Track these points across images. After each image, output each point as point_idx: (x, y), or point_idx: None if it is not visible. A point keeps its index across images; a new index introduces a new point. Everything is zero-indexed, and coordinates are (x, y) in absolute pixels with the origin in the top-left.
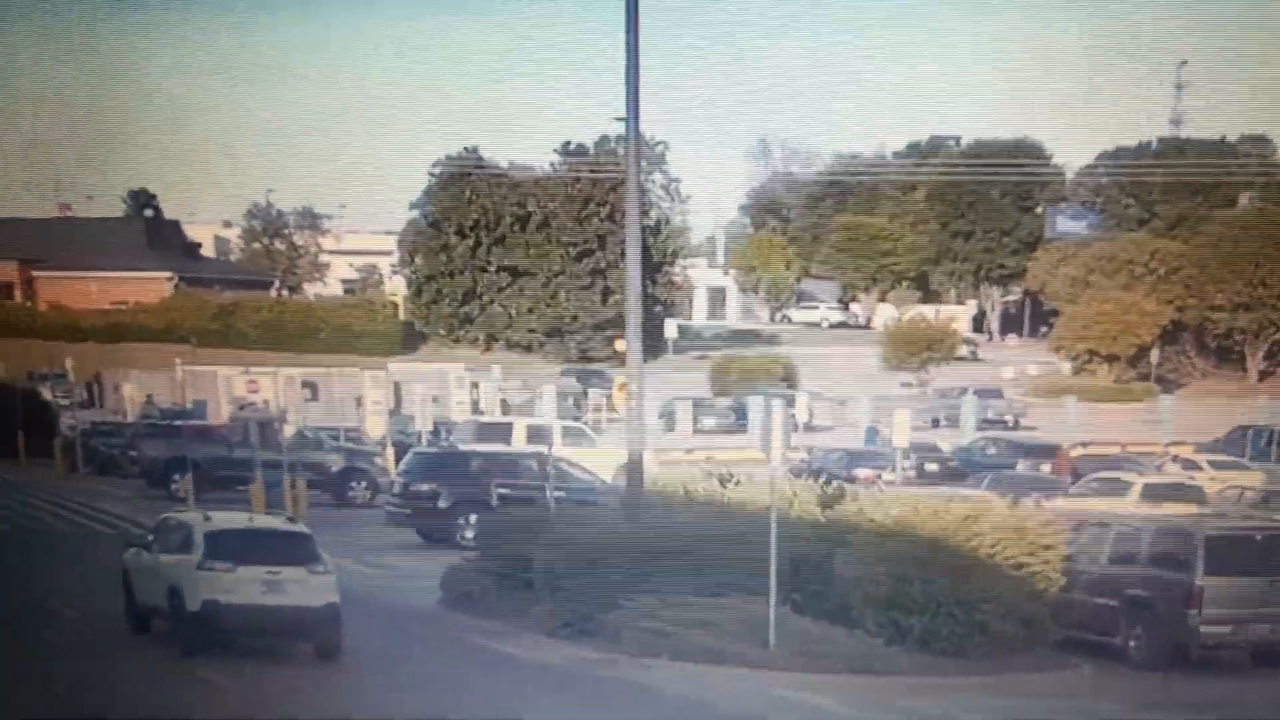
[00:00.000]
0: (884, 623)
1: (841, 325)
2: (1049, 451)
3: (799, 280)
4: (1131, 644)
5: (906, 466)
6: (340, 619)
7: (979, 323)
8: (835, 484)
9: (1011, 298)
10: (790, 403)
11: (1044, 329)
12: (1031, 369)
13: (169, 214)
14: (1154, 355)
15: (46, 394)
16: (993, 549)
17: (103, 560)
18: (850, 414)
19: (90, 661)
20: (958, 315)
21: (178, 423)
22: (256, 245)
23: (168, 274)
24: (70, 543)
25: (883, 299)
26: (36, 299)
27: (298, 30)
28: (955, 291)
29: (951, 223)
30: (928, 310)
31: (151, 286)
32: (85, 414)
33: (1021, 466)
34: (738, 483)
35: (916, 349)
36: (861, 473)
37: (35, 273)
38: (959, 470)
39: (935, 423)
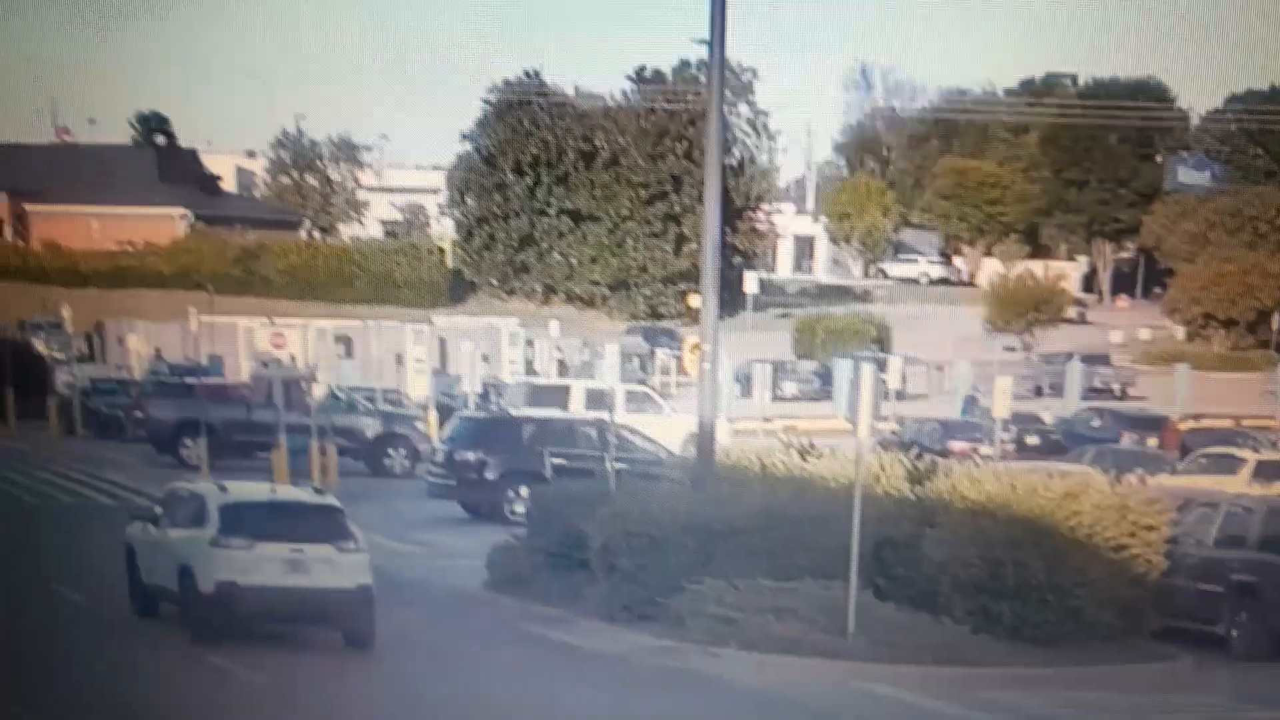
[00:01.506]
0: (972, 609)
1: (943, 281)
2: (1156, 424)
3: (897, 230)
4: (1235, 633)
5: (1005, 439)
6: (373, 602)
7: (1089, 282)
8: (927, 458)
9: (1125, 255)
10: (881, 368)
11: (1158, 290)
12: (1143, 333)
13: (184, 142)
14: (1275, 321)
15: (40, 346)
16: (1091, 529)
17: (104, 535)
18: (947, 380)
19: (93, 647)
20: (1067, 273)
21: (190, 380)
22: (285, 179)
23: (181, 210)
24: (68, 516)
25: (989, 253)
26: (29, 236)
27: None
28: (1065, 246)
29: (1065, 170)
30: (1036, 266)
31: (163, 225)
32: (84, 369)
33: (1126, 440)
34: (819, 455)
35: (1022, 310)
36: (956, 445)
37: (28, 206)
38: (1060, 443)
39: (1038, 391)
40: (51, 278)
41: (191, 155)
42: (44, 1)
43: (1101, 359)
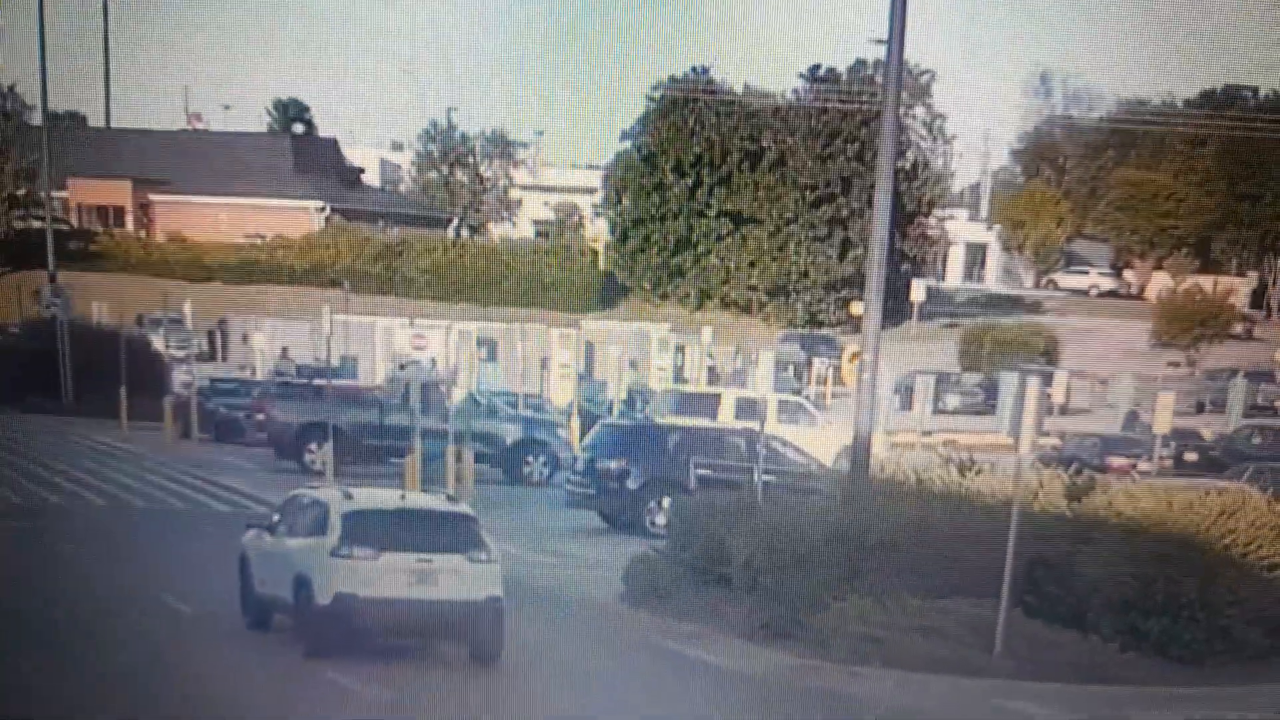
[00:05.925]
0: (1121, 627)
1: (1111, 294)
2: None
3: (1070, 240)
4: None
5: (1164, 455)
6: (502, 615)
7: (1259, 298)
8: (1086, 473)
9: None
10: (1048, 381)
11: None
12: None
13: (324, 131)
14: None
15: (158, 343)
16: (1246, 548)
17: (218, 544)
18: (1110, 395)
19: (201, 659)
20: (1236, 288)
21: (319, 382)
22: (433, 174)
23: (319, 204)
24: (180, 523)
25: (1159, 266)
26: (152, 228)
27: None
28: (1236, 261)
29: (1240, 184)
30: (1205, 281)
31: (297, 218)
32: (204, 368)
33: None
34: (978, 471)
35: (1188, 325)
36: (1115, 461)
37: (153, 196)
38: (1220, 460)
39: (1200, 407)
40: (173, 271)
41: (332, 146)
42: None
43: (1266, 376)
